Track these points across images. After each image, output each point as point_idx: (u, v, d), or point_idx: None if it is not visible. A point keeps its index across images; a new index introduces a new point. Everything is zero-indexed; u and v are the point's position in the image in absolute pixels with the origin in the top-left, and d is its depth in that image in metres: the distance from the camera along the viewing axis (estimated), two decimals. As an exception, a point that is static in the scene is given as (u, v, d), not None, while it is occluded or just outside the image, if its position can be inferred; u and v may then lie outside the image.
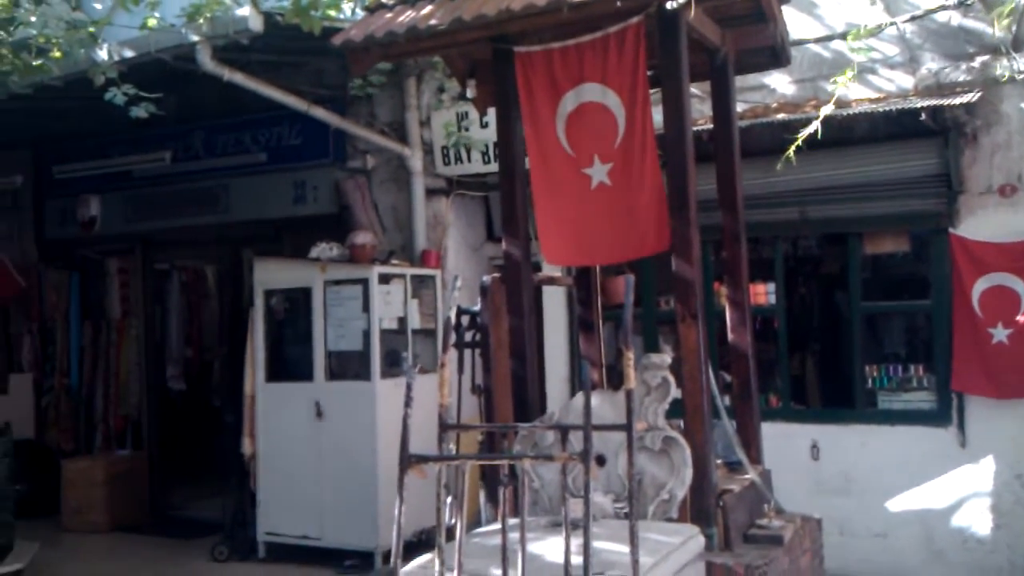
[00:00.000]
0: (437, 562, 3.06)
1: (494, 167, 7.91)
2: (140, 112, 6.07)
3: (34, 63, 6.88)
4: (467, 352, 5.80)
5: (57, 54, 6.63)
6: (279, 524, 7.75)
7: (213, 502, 9.20)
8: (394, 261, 7.98)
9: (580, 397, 4.36)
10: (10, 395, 10.20)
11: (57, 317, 10.43)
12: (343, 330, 7.69)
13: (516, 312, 4.65)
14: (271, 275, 8.03)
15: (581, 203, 4.65)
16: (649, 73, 4.52)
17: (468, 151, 8.03)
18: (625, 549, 3.13)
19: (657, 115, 4.54)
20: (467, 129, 7.95)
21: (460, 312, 5.54)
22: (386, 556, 7.22)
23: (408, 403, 3.14)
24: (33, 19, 6.78)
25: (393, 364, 7.71)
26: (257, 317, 7.98)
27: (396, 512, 3.00)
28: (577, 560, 2.95)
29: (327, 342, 7.71)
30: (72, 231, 10.09)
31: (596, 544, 3.02)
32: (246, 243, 9.75)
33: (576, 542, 3.00)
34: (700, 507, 4.26)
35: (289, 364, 8.06)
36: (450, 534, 3.09)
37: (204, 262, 11.19)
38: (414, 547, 5.58)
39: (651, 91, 4.57)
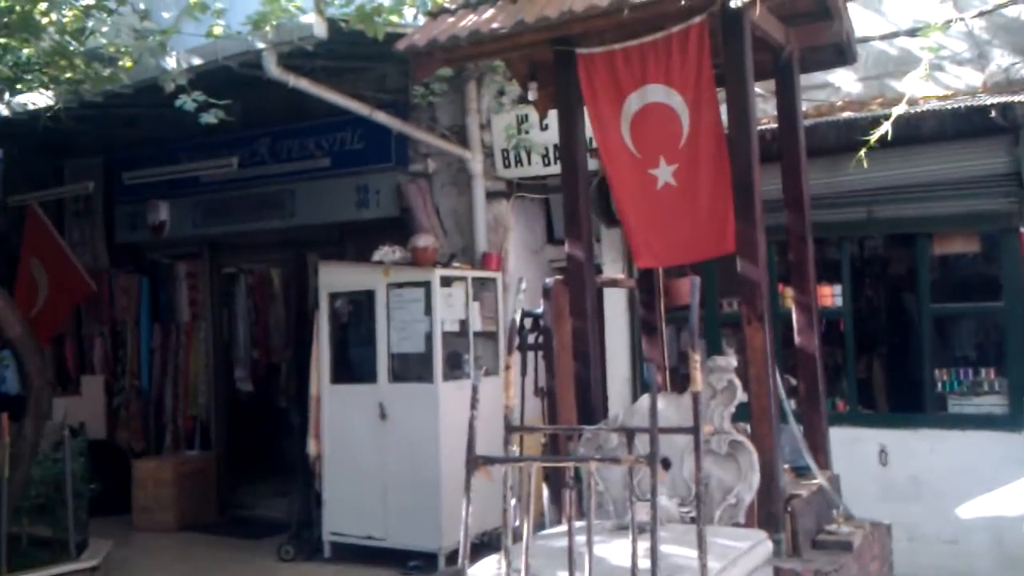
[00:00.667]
0: (504, 563, 3.08)
1: (554, 169, 7.93)
2: (210, 118, 6.19)
3: (105, 72, 7.08)
4: (530, 354, 5.84)
5: (128, 63, 6.79)
6: (344, 524, 7.84)
7: (279, 502, 9.36)
8: (455, 264, 8.03)
9: (645, 400, 4.36)
10: (83, 396, 10.46)
11: (128, 320, 10.66)
12: (406, 332, 7.75)
13: (579, 314, 4.65)
14: (335, 278, 8.13)
15: (648, 205, 4.66)
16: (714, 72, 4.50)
17: (528, 154, 8.04)
18: (692, 553, 3.11)
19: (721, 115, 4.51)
20: (527, 132, 7.97)
21: (523, 315, 5.58)
22: (449, 557, 7.26)
23: (474, 405, 3.17)
24: (105, 29, 6.97)
25: (455, 366, 7.76)
26: (322, 320, 8.09)
27: (463, 513, 3.03)
28: (644, 564, 2.94)
29: (390, 344, 7.78)
30: (142, 236, 10.31)
31: (663, 548, 3.00)
32: (310, 247, 9.88)
33: (643, 545, 3.00)
34: (768, 512, 4.22)
35: (353, 366, 8.16)
36: (514, 536, 3.10)
37: (269, 265, 11.34)
38: (477, 548, 5.60)
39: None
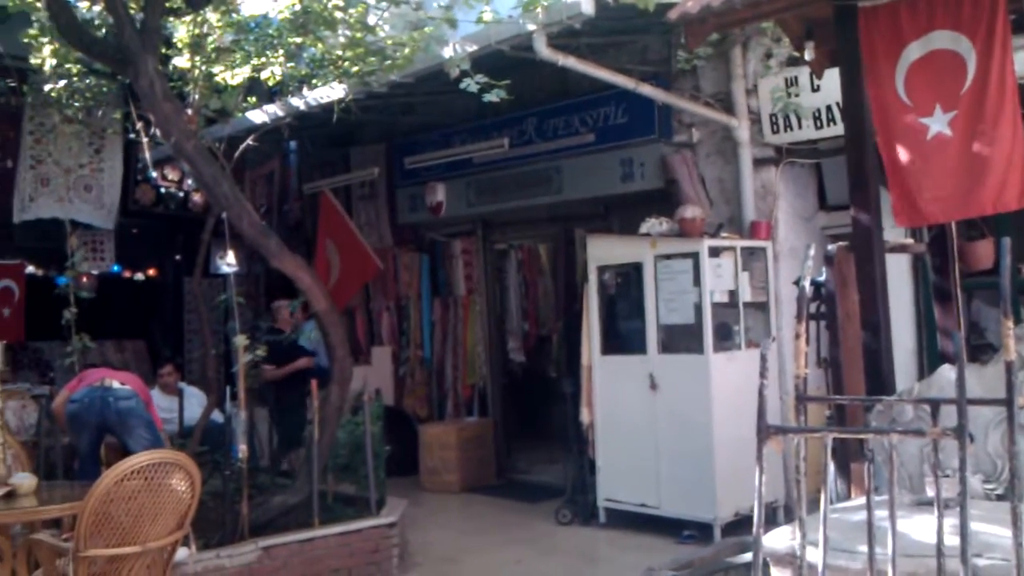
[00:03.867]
0: (798, 534, 3.06)
1: (826, 132, 7.61)
2: (492, 97, 6.42)
3: (387, 63, 7.56)
4: (811, 323, 5.67)
5: (408, 51, 7.21)
6: (618, 491, 8.01)
7: (552, 467, 9.70)
8: (723, 234, 7.91)
9: (944, 370, 4.15)
10: (373, 366, 11.32)
11: (410, 295, 11.34)
12: (674, 304, 7.75)
13: (867, 282, 4.48)
14: (603, 251, 8.27)
15: (915, 156, 4.41)
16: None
17: (798, 117, 7.76)
18: (1001, 531, 2.95)
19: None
20: (796, 95, 7.69)
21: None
22: (725, 528, 7.23)
23: (763, 374, 3.16)
24: (387, 28, 7.44)
25: (725, 337, 7.68)
26: (591, 292, 8.25)
27: (756, 482, 3.04)
28: (951, 541, 2.82)
29: (659, 316, 7.81)
30: (422, 216, 10.93)
31: (971, 525, 2.87)
32: (576, 221, 10.09)
33: (949, 522, 2.88)
34: (1086, 491, 3.88)
35: (622, 337, 8.27)
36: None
37: (537, 241, 11.71)
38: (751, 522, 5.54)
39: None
